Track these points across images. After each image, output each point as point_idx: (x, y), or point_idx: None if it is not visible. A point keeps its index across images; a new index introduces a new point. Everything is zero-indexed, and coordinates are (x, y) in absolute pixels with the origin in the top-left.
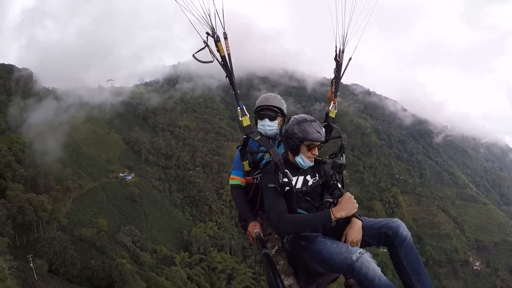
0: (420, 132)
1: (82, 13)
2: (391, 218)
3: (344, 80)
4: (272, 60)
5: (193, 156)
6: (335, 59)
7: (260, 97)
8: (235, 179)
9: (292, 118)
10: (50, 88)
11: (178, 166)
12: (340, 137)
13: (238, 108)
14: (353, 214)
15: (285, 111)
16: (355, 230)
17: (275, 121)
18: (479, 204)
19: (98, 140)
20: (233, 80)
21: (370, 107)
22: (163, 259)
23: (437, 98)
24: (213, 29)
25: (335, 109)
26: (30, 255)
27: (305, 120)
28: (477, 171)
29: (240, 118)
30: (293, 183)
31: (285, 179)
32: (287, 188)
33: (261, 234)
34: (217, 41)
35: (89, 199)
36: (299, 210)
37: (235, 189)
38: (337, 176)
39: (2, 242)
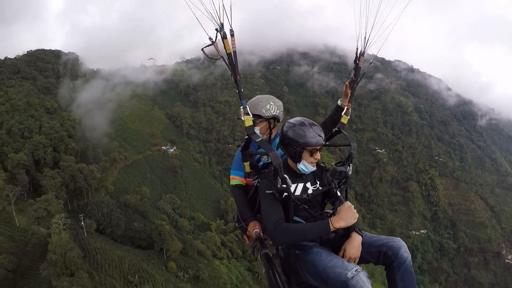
0: (464, 114)
1: None
2: (393, 237)
3: (387, 56)
4: (313, 36)
5: (233, 130)
6: (354, 62)
7: None
8: (236, 179)
9: (287, 123)
10: (95, 70)
11: (218, 140)
12: (349, 145)
13: (241, 107)
14: (354, 228)
15: (265, 114)
16: (354, 246)
17: (256, 127)
18: None
19: (142, 115)
20: (238, 78)
21: (413, 85)
22: (200, 225)
23: (484, 78)
24: (222, 25)
25: (348, 115)
26: (81, 214)
27: (303, 124)
28: None
29: (242, 118)
30: (292, 189)
31: (284, 185)
32: (285, 194)
33: (261, 234)
34: (223, 38)
35: (134, 170)
36: (296, 218)
37: (236, 189)
38: (336, 183)
39: (58, 203)
